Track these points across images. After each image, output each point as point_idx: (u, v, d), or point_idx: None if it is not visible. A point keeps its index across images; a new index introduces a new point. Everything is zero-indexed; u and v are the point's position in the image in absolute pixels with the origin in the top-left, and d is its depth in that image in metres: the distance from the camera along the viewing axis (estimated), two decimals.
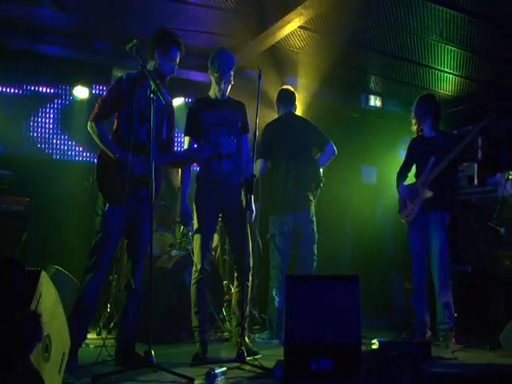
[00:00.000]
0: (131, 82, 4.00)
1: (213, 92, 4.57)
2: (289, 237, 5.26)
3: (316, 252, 5.30)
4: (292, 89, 5.57)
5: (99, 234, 3.88)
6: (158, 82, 3.87)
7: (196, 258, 4.41)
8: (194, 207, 4.45)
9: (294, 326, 3.50)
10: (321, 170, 5.40)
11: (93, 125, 3.93)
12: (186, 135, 4.54)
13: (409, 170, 5.46)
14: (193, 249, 4.56)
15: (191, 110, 4.57)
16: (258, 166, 5.11)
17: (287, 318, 3.55)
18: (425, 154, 5.14)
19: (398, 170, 5.50)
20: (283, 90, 5.55)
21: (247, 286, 4.47)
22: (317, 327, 3.50)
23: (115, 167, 3.88)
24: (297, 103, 5.59)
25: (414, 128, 5.39)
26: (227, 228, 4.67)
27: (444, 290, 5.01)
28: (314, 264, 5.26)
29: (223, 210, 4.52)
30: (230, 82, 4.49)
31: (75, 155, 6.68)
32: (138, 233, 4.03)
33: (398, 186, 5.40)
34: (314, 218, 5.31)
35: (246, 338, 4.47)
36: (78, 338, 3.70)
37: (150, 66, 4.10)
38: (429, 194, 4.99)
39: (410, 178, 5.44)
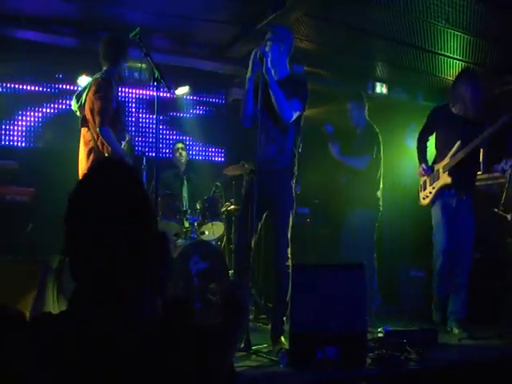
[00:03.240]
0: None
1: None
2: None
3: None
4: None
5: None
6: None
7: None
8: None
9: (300, 315, 3.49)
10: None
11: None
12: None
13: (428, 138, 5.33)
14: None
15: None
16: None
17: (293, 307, 3.55)
18: (453, 131, 4.99)
19: (418, 135, 5.37)
20: None
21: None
22: (323, 315, 3.50)
23: None
24: None
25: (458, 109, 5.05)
26: None
27: (468, 278, 4.98)
28: None
29: None
30: None
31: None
32: None
33: (419, 159, 5.27)
34: None
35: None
36: None
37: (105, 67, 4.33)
38: (448, 179, 4.92)
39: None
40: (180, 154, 6.65)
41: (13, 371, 1.18)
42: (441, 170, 5.01)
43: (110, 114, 4.08)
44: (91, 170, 1.41)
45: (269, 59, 4.01)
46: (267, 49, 4.11)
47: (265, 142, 4.13)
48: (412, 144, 7.66)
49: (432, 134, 5.28)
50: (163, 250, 1.45)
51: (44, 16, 5.72)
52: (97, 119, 4.05)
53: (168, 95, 5.99)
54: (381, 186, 5.72)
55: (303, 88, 4.18)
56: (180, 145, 6.74)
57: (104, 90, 4.12)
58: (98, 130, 4.02)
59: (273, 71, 4.08)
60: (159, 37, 6.18)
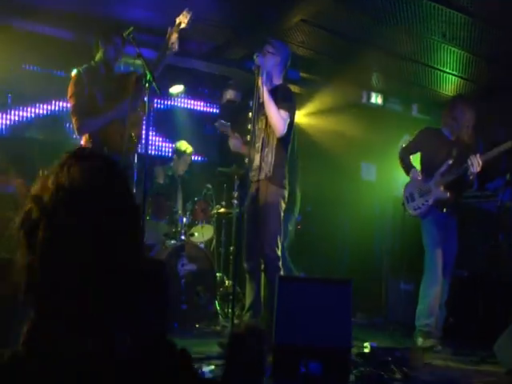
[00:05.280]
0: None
1: None
2: None
3: None
4: None
5: None
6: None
7: None
8: None
9: (285, 327, 3.45)
10: None
11: None
12: None
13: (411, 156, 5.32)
14: None
15: None
16: None
17: (278, 319, 3.50)
18: (443, 151, 4.99)
19: (400, 150, 5.35)
20: None
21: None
22: (307, 329, 3.46)
23: None
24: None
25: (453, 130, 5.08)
26: None
27: (448, 297, 5.00)
28: None
29: None
30: None
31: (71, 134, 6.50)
32: None
33: (406, 170, 5.21)
34: None
35: None
36: None
37: (98, 57, 4.24)
38: (447, 195, 4.89)
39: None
40: (185, 158, 6.48)
41: None
42: (432, 185, 4.96)
43: (84, 107, 4.09)
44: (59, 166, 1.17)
45: (265, 71, 4.18)
46: (264, 60, 4.27)
47: (255, 150, 4.34)
48: None
49: (416, 153, 5.27)
50: (159, 278, 1.29)
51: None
52: (73, 122, 4.13)
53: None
54: None
55: (290, 99, 4.37)
56: (187, 148, 6.49)
57: (71, 89, 4.16)
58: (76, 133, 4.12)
59: (268, 83, 4.27)
60: (155, 35, 6.11)
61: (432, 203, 4.95)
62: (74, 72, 4.25)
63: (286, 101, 4.31)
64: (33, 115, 6.38)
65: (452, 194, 4.88)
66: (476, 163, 4.62)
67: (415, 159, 5.36)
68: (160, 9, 5.67)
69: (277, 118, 4.19)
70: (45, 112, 6.45)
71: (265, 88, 4.18)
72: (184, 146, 6.46)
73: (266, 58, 4.31)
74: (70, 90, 4.15)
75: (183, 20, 4.14)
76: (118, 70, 4.56)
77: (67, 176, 1.10)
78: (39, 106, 6.42)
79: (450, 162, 4.89)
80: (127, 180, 1.21)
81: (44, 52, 6.06)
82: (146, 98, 3.81)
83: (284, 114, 4.24)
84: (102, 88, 4.17)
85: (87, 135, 4.10)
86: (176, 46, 4.15)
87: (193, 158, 6.72)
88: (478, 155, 4.67)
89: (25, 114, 6.34)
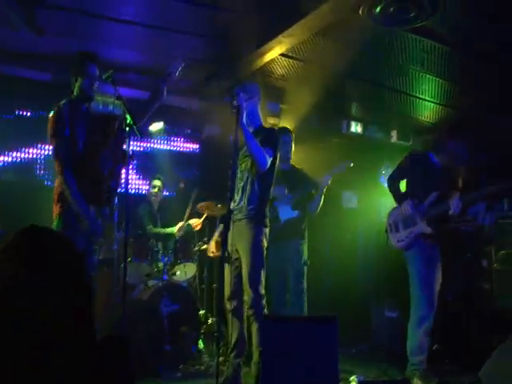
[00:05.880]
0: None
1: None
2: None
3: None
4: None
5: None
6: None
7: None
8: None
9: (271, 368, 3.42)
10: None
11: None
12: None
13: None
14: None
15: None
16: None
17: (264, 360, 3.47)
18: (429, 182, 4.88)
19: (388, 179, 5.24)
20: None
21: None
22: (294, 368, 3.42)
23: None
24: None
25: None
26: None
27: (431, 327, 4.91)
28: None
29: None
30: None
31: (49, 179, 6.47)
32: None
33: (396, 198, 5.07)
34: None
35: None
36: None
37: (75, 91, 4.12)
38: (429, 230, 4.77)
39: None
40: (156, 193, 6.62)
41: None
42: (417, 217, 4.85)
43: (65, 151, 3.95)
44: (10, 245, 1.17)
45: (244, 115, 4.22)
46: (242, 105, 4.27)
47: (238, 190, 4.39)
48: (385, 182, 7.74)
49: (403, 179, 5.23)
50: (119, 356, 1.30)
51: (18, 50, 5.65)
52: (55, 165, 4.00)
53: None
54: None
55: (273, 137, 4.45)
56: (157, 182, 6.67)
57: (51, 128, 4.04)
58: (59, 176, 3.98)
59: (248, 125, 4.32)
60: (134, 72, 6.14)
61: (415, 236, 4.86)
62: (53, 110, 4.11)
63: (270, 139, 4.37)
64: (10, 159, 6.33)
65: (435, 228, 4.81)
66: (456, 205, 4.60)
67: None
68: (142, 48, 5.72)
69: (259, 153, 4.22)
70: (21, 156, 6.40)
71: (245, 126, 4.21)
72: (155, 181, 6.64)
73: (246, 103, 4.33)
74: (51, 129, 4.01)
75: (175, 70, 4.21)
76: (97, 108, 4.45)
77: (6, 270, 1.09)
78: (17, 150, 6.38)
79: (436, 193, 4.82)
80: (74, 261, 1.19)
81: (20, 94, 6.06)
82: (125, 147, 3.79)
83: (268, 151, 4.29)
84: (84, 130, 4.05)
85: (63, 185, 3.96)
86: (165, 95, 4.23)
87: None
88: (458, 197, 4.62)
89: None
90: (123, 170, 4.10)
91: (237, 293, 4.27)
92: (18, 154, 6.35)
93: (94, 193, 3.96)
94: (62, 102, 4.08)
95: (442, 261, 4.95)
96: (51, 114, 4.09)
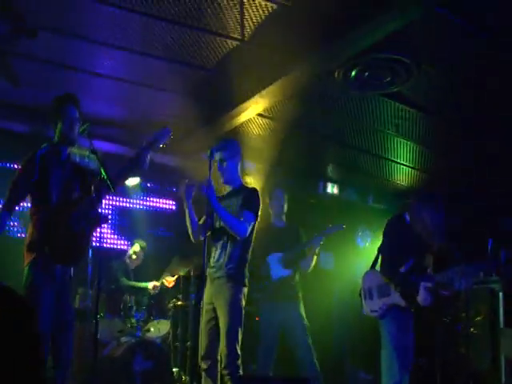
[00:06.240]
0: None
1: None
2: None
3: None
4: None
5: None
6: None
7: None
8: None
9: None
10: None
11: None
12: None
13: None
14: None
15: None
16: None
17: None
18: (405, 246, 4.61)
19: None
20: None
21: None
22: None
23: None
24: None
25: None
26: None
27: None
28: None
29: None
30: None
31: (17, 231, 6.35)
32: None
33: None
34: None
35: None
36: None
37: (56, 136, 3.95)
38: (403, 303, 4.50)
39: None
40: (134, 259, 6.52)
41: None
42: (392, 287, 4.59)
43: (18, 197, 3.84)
44: None
45: (212, 186, 4.15)
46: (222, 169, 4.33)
47: (216, 247, 4.31)
48: (362, 244, 7.73)
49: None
50: None
51: None
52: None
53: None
54: None
55: (255, 199, 4.35)
56: (136, 248, 6.56)
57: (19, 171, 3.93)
58: None
59: (227, 183, 4.39)
60: (111, 127, 6.16)
61: (389, 307, 4.60)
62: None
63: (252, 202, 4.30)
64: None
65: (409, 299, 4.67)
66: (426, 289, 4.52)
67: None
68: (119, 102, 5.75)
69: (235, 226, 4.18)
70: None
71: (215, 202, 4.16)
72: (136, 245, 6.56)
73: (225, 163, 4.34)
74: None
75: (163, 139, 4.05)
76: (75, 159, 4.29)
77: None
78: None
79: (412, 260, 4.71)
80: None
81: None
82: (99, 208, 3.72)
83: (249, 215, 4.22)
84: (59, 179, 3.87)
85: (32, 230, 3.83)
86: (147, 164, 4.05)
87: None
88: (428, 283, 4.51)
89: None
90: (96, 230, 3.95)
91: (211, 352, 4.14)
92: None
93: (63, 251, 3.81)
94: (42, 146, 3.93)
95: (420, 325, 4.83)
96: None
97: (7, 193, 3.80)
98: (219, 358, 4.12)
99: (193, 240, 4.37)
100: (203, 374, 4.23)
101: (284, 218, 5.75)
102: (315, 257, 5.59)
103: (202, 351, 4.20)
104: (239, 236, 4.20)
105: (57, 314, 3.72)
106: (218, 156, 4.33)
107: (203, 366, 4.20)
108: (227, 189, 4.49)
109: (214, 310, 4.22)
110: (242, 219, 4.21)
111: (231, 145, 4.50)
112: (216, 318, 4.20)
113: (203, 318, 4.22)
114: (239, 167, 4.49)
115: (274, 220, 5.71)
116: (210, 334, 4.19)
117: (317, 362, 5.33)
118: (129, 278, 6.33)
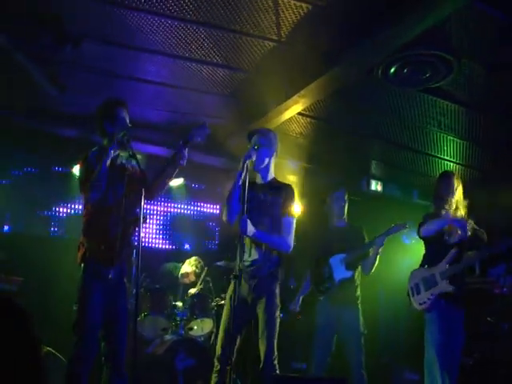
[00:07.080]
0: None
1: None
2: None
3: None
4: None
5: None
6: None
7: None
8: None
9: None
10: None
11: None
12: None
13: None
14: None
15: None
16: None
17: None
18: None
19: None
20: None
21: None
22: None
23: None
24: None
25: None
26: None
27: None
28: None
29: None
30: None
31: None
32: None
33: None
34: None
35: None
36: None
37: (106, 139, 3.98)
38: (450, 288, 4.57)
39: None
40: (185, 278, 6.37)
41: None
42: (438, 277, 4.65)
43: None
44: None
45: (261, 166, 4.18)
46: (255, 153, 4.14)
47: (250, 246, 4.16)
48: (407, 241, 7.63)
49: None
50: None
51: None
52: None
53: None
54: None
55: (293, 200, 4.27)
56: (188, 268, 6.39)
57: (80, 175, 4.04)
58: None
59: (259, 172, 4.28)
60: (156, 131, 6.30)
61: (437, 297, 4.60)
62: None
63: (293, 204, 4.24)
64: None
65: (456, 286, 4.63)
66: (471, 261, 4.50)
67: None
68: (162, 107, 5.88)
69: (278, 244, 4.13)
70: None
71: (254, 231, 4.02)
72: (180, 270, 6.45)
73: (259, 150, 4.17)
74: (80, 175, 3.99)
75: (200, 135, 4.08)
76: (122, 161, 4.35)
77: None
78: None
79: (455, 250, 4.69)
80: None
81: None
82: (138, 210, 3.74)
83: (291, 224, 4.16)
84: (111, 181, 3.87)
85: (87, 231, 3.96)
86: (185, 162, 4.06)
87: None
88: (472, 254, 4.53)
89: None
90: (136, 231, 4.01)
91: (229, 346, 3.92)
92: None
93: (105, 252, 3.88)
94: (94, 149, 3.97)
95: (466, 323, 4.75)
96: (79, 163, 4.04)
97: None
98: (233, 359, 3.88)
99: (226, 221, 4.20)
100: (216, 362, 4.08)
101: (346, 218, 5.63)
102: (378, 258, 5.39)
103: (222, 342, 4.06)
104: (285, 252, 4.15)
105: (108, 315, 3.85)
106: (254, 139, 4.23)
107: (218, 355, 4.07)
108: (257, 178, 4.35)
109: (247, 309, 4.10)
110: (283, 229, 4.13)
111: (270, 134, 4.36)
112: (245, 318, 4.08)
113: (232, 315, 3.91)
114: (272, 160, 4.33)
115: (335, 220, 5.58)
116: (236, 332, 3.98)
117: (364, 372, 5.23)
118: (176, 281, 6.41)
